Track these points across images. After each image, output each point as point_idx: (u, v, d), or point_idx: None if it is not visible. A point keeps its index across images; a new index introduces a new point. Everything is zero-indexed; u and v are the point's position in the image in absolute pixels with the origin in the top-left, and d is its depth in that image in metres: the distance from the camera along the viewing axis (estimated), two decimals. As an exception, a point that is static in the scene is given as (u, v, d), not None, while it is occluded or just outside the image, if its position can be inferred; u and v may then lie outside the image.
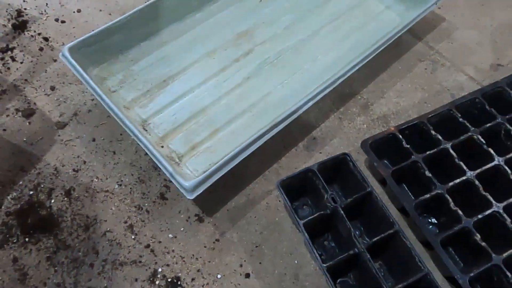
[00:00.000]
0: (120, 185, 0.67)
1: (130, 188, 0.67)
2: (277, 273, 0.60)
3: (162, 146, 0.70)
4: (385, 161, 0.68)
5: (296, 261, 0.61)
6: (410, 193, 0.65)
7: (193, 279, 0.59)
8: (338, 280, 0.59)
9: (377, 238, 0.54)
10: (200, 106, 0.75)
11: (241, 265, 0.61)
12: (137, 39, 0.81)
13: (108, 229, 0.63)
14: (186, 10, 0.85)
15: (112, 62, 0.80)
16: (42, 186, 0.66)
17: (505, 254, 0.55)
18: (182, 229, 0.63)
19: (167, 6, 0.81)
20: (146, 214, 0.65)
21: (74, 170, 0.68)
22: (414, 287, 0.52)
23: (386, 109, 0.76)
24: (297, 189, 0.63)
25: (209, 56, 0.82)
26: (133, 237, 0.63)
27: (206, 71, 0.79)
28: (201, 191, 0.58)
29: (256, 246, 0.62)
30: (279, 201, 0.66)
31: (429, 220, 0.64)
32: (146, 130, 0.72)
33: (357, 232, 0.62)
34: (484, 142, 0.64)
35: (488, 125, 0.66)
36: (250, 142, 0.62)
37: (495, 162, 0.62)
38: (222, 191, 0.67)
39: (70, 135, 0.72)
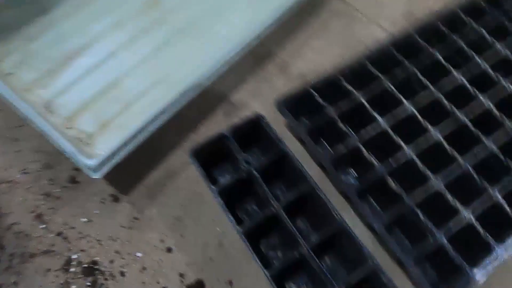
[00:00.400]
0: (25, 173, 0.62)
1: (37, 176, 0.62)
2: (200, 243, 0.58)
3: (70, 128, 0.65)
4: (304, 120, 0.67)
5: (218, 229, 0.59)
6: (329, 149, 0.65)
7: (111, 261, 0.56)
8: (262, 242, 0.58)
9: (293, 195, 0.54)
10: (109, 81, 0.70)
11: (162, 240, 0.58)
12: (32, 14, 0.74)
13: (14, 221, 0.58)
14: (87, -22, 0.79)
15: (6, 42, 0.72)
16: None
17: (417, 197, 0.56)
18: (96, 211, 0.60)
19: (63, -25, 0.74)
20: (56, 201, 0.60)
21: (-32, 163, 0.62)
22: (333, 238, 0.53)
23: (304, 67, 0.75)
24: (214, 156, 0.61)
25: (117, 27, 0.76)
26: (43, 226, 0.58)
27: (113, 43, 0.74)
28: (107, 170, 0.55)
29: (177, 219, 0.60)
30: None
31: (351, 174, 0.64)
32: (51, 112, 0.66)
33: (278, 193, 0.61)
34: (397, 91, 0.65)
35: (400, 74, 0.67)
36: (158, 113, 0.59)
37: (408, 110, 0.63)
38: (138, 167, 0.63)
39: (-38, 125, 0.65)
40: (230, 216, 0.52)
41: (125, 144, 0.56)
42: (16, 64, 0.71)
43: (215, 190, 0.53)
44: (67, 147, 0.55)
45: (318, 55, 0.77)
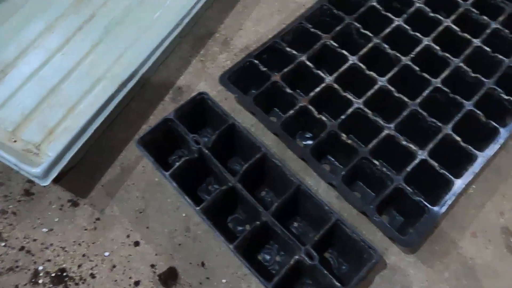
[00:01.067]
0: (-24, 195, 0.60)
1: (-12, 195, 0.60)
2: (166, 231, 0.58)
3: (15, 141, 0.63)
4: (254, 91, 0.67)
5: (184, 214, 0.59)
6: (282, 115, 0.64)
7: (79, 266, 0.55)
8: (229, 218, 0.58)
9: (246, 165, 0.53)
10: (49, 87, 0.68)
11: (128, 236, 0.57)
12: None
13: (-29, 245, 0.56)
14: (8, -13, 0.75)
15: None
16: None
17: (370, 146, 0.56)
18: (56, 219, 0.58)
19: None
20: (13, 216, 0.59)
21: None
22: (292, 201, 0.53)
23: (246, 40, 0.74)
24: (166, 143, 0.60)
25: (48, 31, 0.74)
26: (3, 244, 0.57)
27: (48, 47, 0.72)
28: (55, 174, 0.53)
29: (140, 212, 0.59)
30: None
31: (306, 136, 0.64)
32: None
33: (237, 167, 0.61)
34: (337, 45, 0.64)
35: (338, 28, 0.66)
36: (97, 110, 0.57)
37: (350, 62, 0.63)
38: (93, 168, 0.62)
39: None
40: (186, 198, 0.51)
41: (69, 146, 0.55)
42: (-51, 86, 0.68)
43: (167, 175, 0.53)
44: (10, 159, 0.53)
45: (259, 25, 0.76)
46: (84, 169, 0.62)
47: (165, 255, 0.56)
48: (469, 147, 0.56)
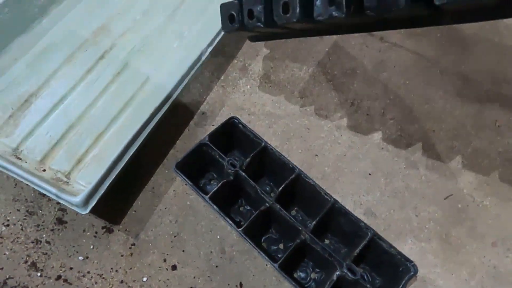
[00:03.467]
0: (8, 225, 0.60)
1: (21, 225, 0.60)
2: (202, 254, 0.59)
3: (44, 170, 0.64)
4: (275, 114, 0.69)
5: (218, 236, 0.60)
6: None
7: (118, 292, 0.56)
8: (263, 239, 0.59)
9: (283, 186, 0.55)
10: (75, 116, 0.69)
11: (164, 260, 0.58)
12: (-23, 64, 0.72)
13: (7, 276, 0.56)
14: (29, 19, 0.77)
15: (-43, 96, 0.70)
16: None
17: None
18: (91, 247, 0.59)
19: (3, 20, 0.72)
20: (48, 245, 0.59)
21: None
22: (328, 219, 0.55)
23: (264, 65, 0.77)
24: (198, 167, 0.62)
25: (69, 62, 0.75)
26: (39, 274, 0.57)
27: (70, 77, 0.73)
28: (95, 202, 0.54)
29: (175, 236, 0.60)
30: (185, 184, 0.64)
31: (329, 155, 0.66)
32: (21, 159, 0.65)
33: (267, 188, 0.63)
34: None
35: None
36: (132, 137, 0.59)
37: None
38: (123, 194, 0.63)
39: None
40: (228, 220, 0.53)
41: (106, 174, 0.56)
42: (-28, 117, 0.69)
43: (207, 198, 0.54)
44: (49, 189, 0.54)
45: (274, 52, 0.79)
46: (115, 195, 0.63)
47: (203, 278, 0.57)
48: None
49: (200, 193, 0.55)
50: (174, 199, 0.63)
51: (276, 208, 0.54)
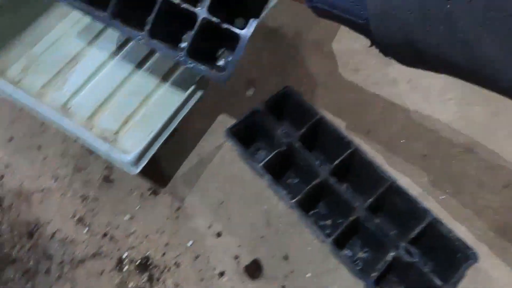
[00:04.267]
0: (56, 179, 0.60)
1: (69, 180, 0.60)
2: (248, 223, 0.58)
3: (91, 128, 0.63)
4: (328, 86, 0.66)
5: (265, 207, 0.59)
6: (358, 112, 0.64)
7: (163, 254, 0.56)
8: (310, 213, 0.58)
9: (338, 161, 0.53)
10: (122, 76, 0.67)
11: (209, 226, 0.58)
12: (29, 19, 0.71)
13: (55, 229, 0.57)
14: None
15: (8, 49, 0.70)
16: (-36, 203, 0.58)
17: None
18: (137, 207, 0.59)
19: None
20: (94, 202, 0.59)
21: (-3, 177, 0.60)
22: (383, 198, 0.53)
23: (317, 34, 0.74)
24: (246, 135, 0.60)
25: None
26: (86, 230, 0.57)
27: (115, 39, 0.71)
28: (145, 163, 0.53)
29: (220, 203, 0.59)
30: (233, 152, 0.63)
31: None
32: (70, 114, 0.64)
33: (317, 162, 0.61)
34: None
35: None
36: (185, 98, 0.57)
37: None
38: (169, 158, 0.62)
39: (-19, 140, 0.63)
40: (282, 190, 0.51)
41: (157, 136, 0.55)
42: (22, 70, 0.68)
43: (260, 167, 0.52)
44: (101, 145, 0.53)
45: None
46: (162, 158, 0.62)
47: (247, 247, 0.56)
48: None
49: (251, 161, 0.53)
50: (221, 166, 0.62)
51: (331, 182, 0.52)
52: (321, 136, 0.58)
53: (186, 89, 0.59)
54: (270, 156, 0.53)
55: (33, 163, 0.61)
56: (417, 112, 0.65)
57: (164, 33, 0.56)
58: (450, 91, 0.66)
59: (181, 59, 0.53)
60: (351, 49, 0.71)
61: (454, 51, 0.32)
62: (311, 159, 0.53)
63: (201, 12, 0.52)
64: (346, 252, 0.55)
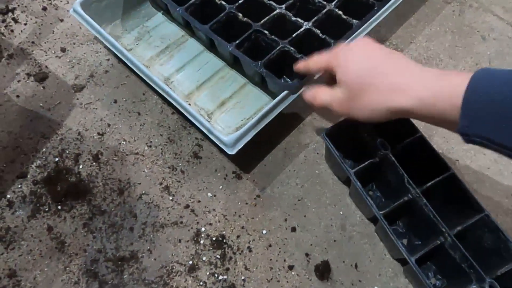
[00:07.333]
0: (150, 146, 0.64)
1: (161, 149, 0.64)
2: (323, 224, 0.58)
3: (189, 104, 0.67)
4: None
5: (341, 212, 0.59)
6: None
7: (238, 236, 0.57)
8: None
9: (433, 181, 0.52)
10: (222, 63, 0.71)
11: (285, 220, 0.59)
12: (146, -7, 0.76)
13: (143, 191, 0.60)
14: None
15: (124, 19, 0.75)
16: (67, 152, 0.63)
17: None
18: (220, 187, 0.61)
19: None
20: (181, 174, 0.62)
21: (98, 133, 0.65)
22: (471, 229, 0.51)
23: (416, 54, 0.73)
24: (342, 139, 0.60)
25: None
26: (170, 198, 0.60)
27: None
28: (241, 146, 0.55)
29: (299, 200, 0.60)
30: (317, 153, 0.64)
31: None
32: (171, 89, 0.68)
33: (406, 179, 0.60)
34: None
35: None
36: (286, 92, 0.59)
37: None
38: (257, 147, 0.64)
39: (90, 98, 0.68)
40: (369, 199, 0.51)
41: (256, 122, 0.57)
42: (135, 40, 0.73)
43: (352, 172, 0.53)
44: (202, 121, 0.56)
45: (431, 42, 0.74)
46: (249, 146, 0.64)
47: (319, 247, 0.57)
48: None
49: (345, 165, 0.54)
50: (304, 164, 0.63)
51: (421, 202, 0.51)
52: (414, 154, 0.57)
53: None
54: (364, 164, 0.54)
55: (131, 127, 0.65)
56: None
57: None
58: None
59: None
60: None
61: None
62: (404, 176, 0.52)
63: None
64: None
